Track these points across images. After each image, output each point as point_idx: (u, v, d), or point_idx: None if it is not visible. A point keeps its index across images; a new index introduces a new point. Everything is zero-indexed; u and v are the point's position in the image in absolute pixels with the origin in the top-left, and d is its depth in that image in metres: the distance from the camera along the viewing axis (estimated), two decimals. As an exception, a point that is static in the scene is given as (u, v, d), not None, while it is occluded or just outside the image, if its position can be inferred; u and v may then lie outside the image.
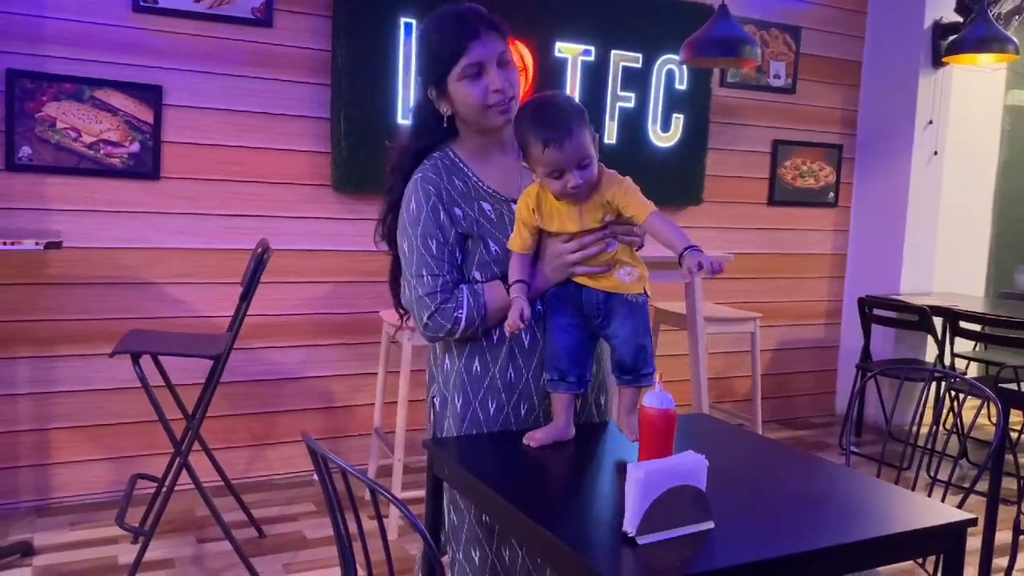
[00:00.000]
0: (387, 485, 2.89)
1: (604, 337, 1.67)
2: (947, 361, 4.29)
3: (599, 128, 4.09)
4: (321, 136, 3.58)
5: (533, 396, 1.71)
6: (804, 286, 4.96)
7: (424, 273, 1.66)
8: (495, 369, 1.70)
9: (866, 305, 4.55)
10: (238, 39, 3.41)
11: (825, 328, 5.07)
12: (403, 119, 3.62)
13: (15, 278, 3.16)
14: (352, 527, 1.38)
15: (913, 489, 1.61)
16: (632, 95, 4.15)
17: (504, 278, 1.67)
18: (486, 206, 1.70)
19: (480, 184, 1.72)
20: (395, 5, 3.57)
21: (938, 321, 4.24)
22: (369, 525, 1.40)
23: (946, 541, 1.38)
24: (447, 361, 1.77)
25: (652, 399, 1.41)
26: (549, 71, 3.91)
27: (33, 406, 3.24)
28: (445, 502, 1.73)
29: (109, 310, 3.30)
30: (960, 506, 1.61)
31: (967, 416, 4.39)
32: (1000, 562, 2.75)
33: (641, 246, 1.68)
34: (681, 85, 4.28)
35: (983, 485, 2.65)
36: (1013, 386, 2.88)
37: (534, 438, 1.61)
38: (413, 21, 3.60)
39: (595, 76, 4.05)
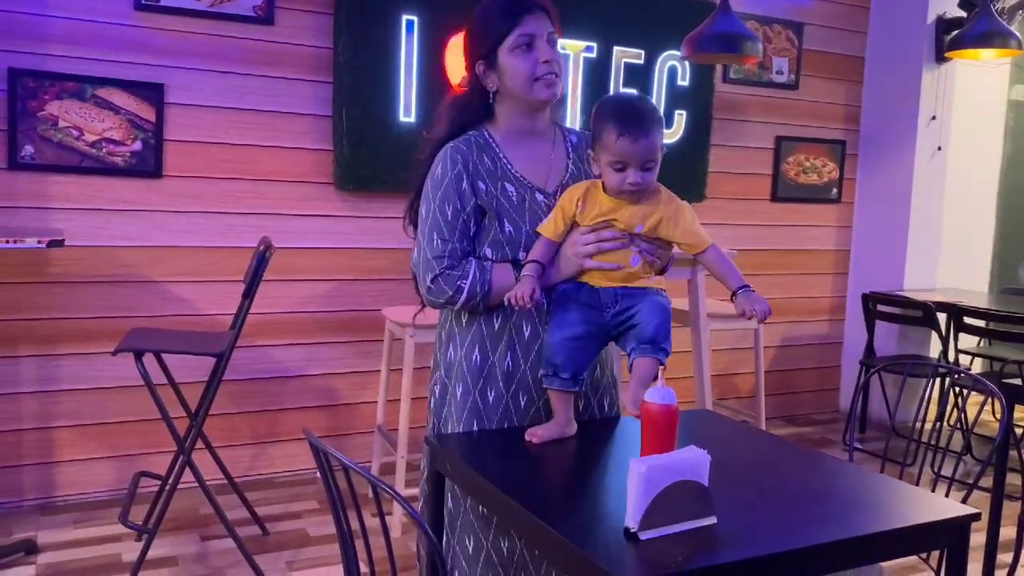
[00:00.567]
0: (390, 483, 2.89)
1: (622, 323, 1.63)
2: (951, 357, 4.28)
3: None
4: (323, 134, 3.57)
5: (532, 388, 1.71)
6: (807, 282, 4.95)
7: (435, 236, 1.69)
8: (494, 358, 1.72)
9: (870, 301, 4.54)
10: (240, 37, 3.40)
11: (829, 324, 5.06)
12: (405, 116, 3.62)
13: (18, 277, 3.17)
14: (355, 524, 1.38)
15: (917, 485, 1.60)
16: (634, 91, 4.14)
17: (514, 261, 1.70)
18: (510, 188, 1.73)
19: (508, 167, 1.75)
20: (397, 2, 3.57)
21: (942, 317, 4.23)
22: (372, 522, 1.40)
23: (950, 536, 1.37)
24: (451, 351, 1.78)
25: (654, 394, 1.40)
26: (551, 68, 3.90)
27: (36, 405, 3.24)
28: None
29: (112, 308, 3.31)
30: (964, 502, 1.60)
31: (971, 412, 4.38)
32: (1004, 558, 2.74)
33: (662, 271, 1.69)
34: (683, 81, 4.27)
35: (987, 481, 2.65)
36: (1017, 381, 2.87)
37: (535, 435, 1.61)
38: (415, 18, 3.59)
39: (597, 73, 4.04)
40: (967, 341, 4.39)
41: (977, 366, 4.97)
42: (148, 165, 3.30)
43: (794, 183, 4.78)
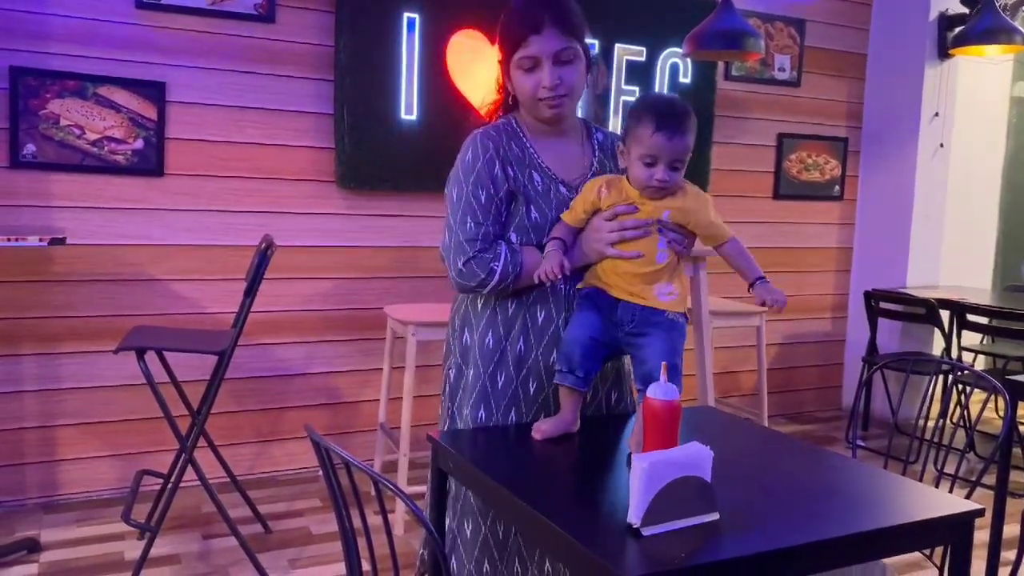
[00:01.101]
0: (392, 480, 2.89)
1: (631, 347, 1.63)
2: (954, 354, 4.28)
3: (603, 123, 4.08)
4: (324, 132, 3.57)
5: (542, 374, 1.73)
6: (810, 280, 4.94)
7: (468, 220, 1.69)
8: (507, 342, 1.74)
9: (872, 298, 4.53)
10: (241, 35, 3.40)
11: (831, 322, 5.05)
12: (406, 114, 3.62)
13: (20, 275, 3.17)
14: (357, 522, 1.37)
15: (920, 482, 1.60)
16: (636, 89, 4.14)
17: (539, 247, 1.71)
18: (536, 176, 1.75)
19: (536, 156, 1.77)
20: (398, 0, 3.56)
21: (945, 314, 4.22)
22: (374, 520, 1.40)
23: (954, 532, 1.37)
24: (466, 335, 1.80)
25: (656, 390, 1.40)
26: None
27: (39, 403, 3.24)
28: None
29: (113, 307, 3.31)
30: (967, 499, 1.59)
31: (974, 410, 4.37)
32: (1008, 555, 2.74)
33: (686, 255, 1.69)
34: (685, 79, 4.26)
35: (990, 478, 2.64)
36: (1021, 378, 2.86)
37: (540, 430, 1.62)
38: (416, 16, 3.59)
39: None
40: (970, 338, 4.39)
41: (980, 363, 4.96)
42: (150, 163, 3.30)
43: (796, 180, 4.77)
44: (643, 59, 4.13)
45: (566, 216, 1.70)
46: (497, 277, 1.66)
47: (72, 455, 3.31)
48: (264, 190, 3.51)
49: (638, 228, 1.62)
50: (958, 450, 3.84)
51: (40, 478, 3.27)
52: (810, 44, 4.69)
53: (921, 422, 2.33)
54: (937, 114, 4.69)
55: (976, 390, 4.43)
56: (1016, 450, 3.52)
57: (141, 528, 2.81)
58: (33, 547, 2.89)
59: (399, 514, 3.19)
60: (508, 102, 1.82)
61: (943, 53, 4.61)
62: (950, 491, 1.81)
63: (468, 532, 1.74)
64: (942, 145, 4.74)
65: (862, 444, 4.22)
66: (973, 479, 1.94)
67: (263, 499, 3.35)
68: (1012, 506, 2.77)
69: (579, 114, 1.88)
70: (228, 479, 3.11)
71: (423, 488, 2.55)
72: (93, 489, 3.35)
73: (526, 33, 1.68)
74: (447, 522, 1.76)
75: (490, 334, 1.75)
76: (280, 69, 3.48)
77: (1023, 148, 5.53)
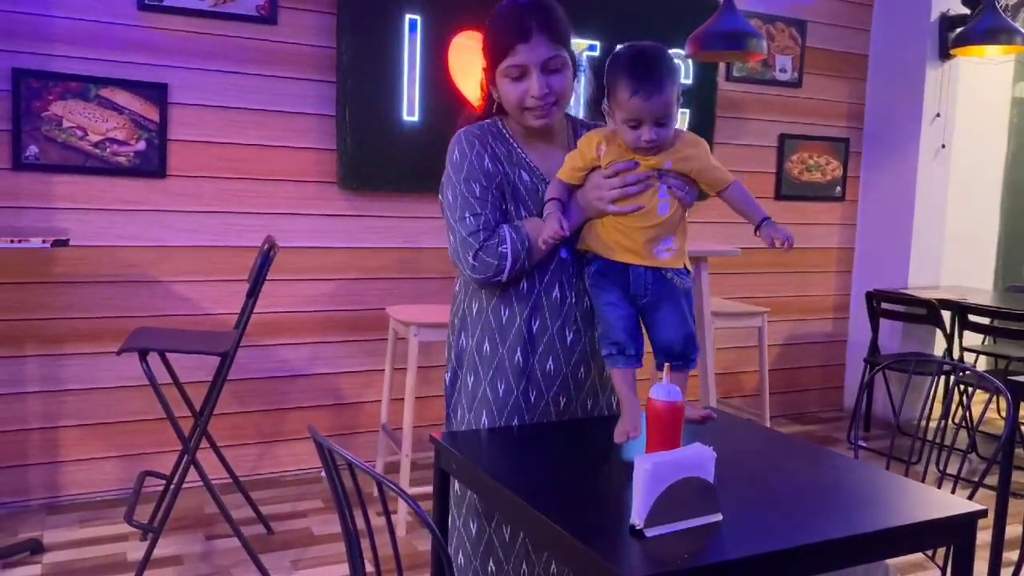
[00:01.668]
0: (395, 482, 2.90)
1: (648, 319, 1.63)
2: (956, 355, 4.28)
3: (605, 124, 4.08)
4: (326, 133, 3.58)
5: (541, 383, 1.72)
6: (811, 280, 4.94)
7: (467, 214, 1.67)
8: (503, 350, 1.72)
9: (874, 299, 4.53)
10: (243, 37, 3.41)
11: (833, 323, 5.05)
12: (408, 116, 3.62)
13: (23, 276, 3.17)
14: (360, 523, 1.38)
15: (922, 483, 1.60)
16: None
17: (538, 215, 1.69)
18: (525, 175, 1.73)
19: (523, 156, 1.74)
20: (400, 2, 3.57)
21: (946, 315, 4.22)
22: (377, 522, 1.40)
23: (956, 533, 1.37)
24: (462, 338, 1.79)
25: (659, 392, 1.40)
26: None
27: (41, 404, 3.25)
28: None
29: (116, 308, 3.31)
30: (970, 500, 1.60)
31: (976, 410, 4.38)
32: (1010, 555, 2.74)
33: (689, 205, 1.65)
34: (687, 80, 4.26)
35: (992, 479, 2.64)
36: (1022, 379, 2.86)
37: (623, 432, 1.55)
38: (418, 18, 3.60)
39: (600, 71, 4.02)
40: (972, 339, 4.39)
41: (982, 364, 4.96)
42: (152, 165, 3.31)
43: (797, 181, 4.78)
44: (644, 60, 4.13)
45: (562, 174, 1.66)
46: (510, 259, 1.63)
47: (75, 456, 3.31)
48: (266, 191, 3.51)
49: (639, 182, 1.59)
50: (960, 451, 3.83)
51: (43, 479, 3.28)
52: (811, 45, 4.70)
53: (923, 423, 2.33)
54: (938, 115, 4.69)
55: (978, 391, 4.43)
56: (1018, 451, 3.52)
57: (144, 529, 2.82)
58: (36, 548, 2.89)
59: (401, 515, 3.19)
60: (491, 109, 1.78)
61: (944, 54, 4.61)
62: (952, 492, 1.81)
63: (473, 531, 1.74)
64: (943, 146, 4.74)
65: (864, 445, 4.22)
66: (975, 480, 1.94)
67: (266, 500, 3.35)
68: (1014, 507, 2.77)
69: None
70: (231, 480, 3.12)
71: (425, 489, 2.56)
72: (96, 490, 3.36)
73: (513, 41, 1.64)
74: (456, 521, 1.76)
75: (486, 340, 1.73)
76: (282, 70, 3.49)
77: (1024, 148, 5.53)
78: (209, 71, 3.37)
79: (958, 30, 4.37)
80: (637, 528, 1.20)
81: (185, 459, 2.79)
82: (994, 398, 2.10)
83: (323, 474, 3.40)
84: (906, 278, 4.75)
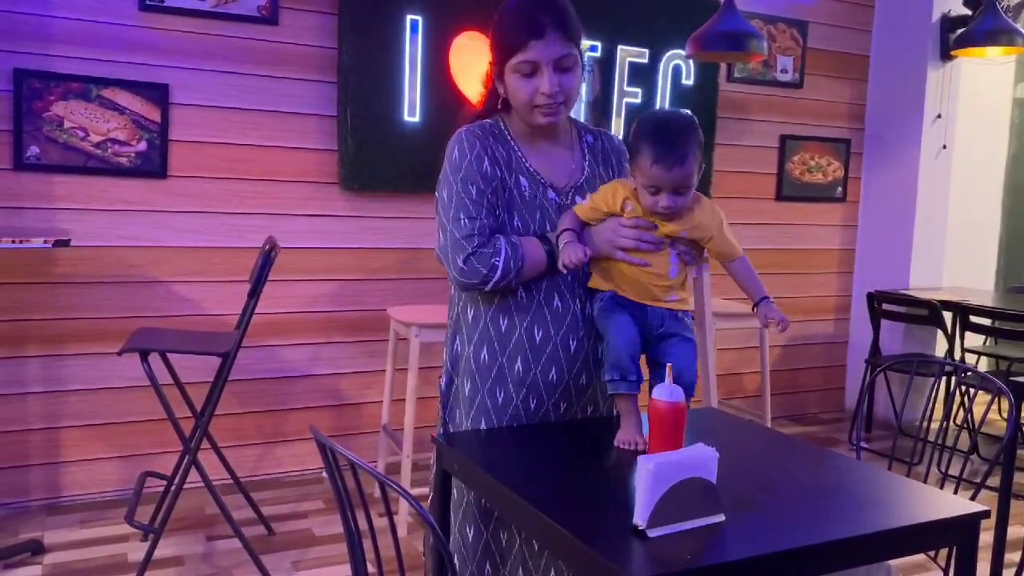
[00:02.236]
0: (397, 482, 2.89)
1: (661, 348, 1.65)
2: (957, 356, 4.27)
3: (606, 125, 4.08)
4: (327, 134, 3.58)
5: (542, 391, 1.70)
6: (812, 281, 4.94)
7: (462, 216, 1.65)
8: (503, 359, 1.70)
9: (875, 300, 4.53)
10: (244, 37, 3.41)
11: (834, 324, 5.05)
12: (409, 116, 3.62)
13: (24, 277, 3.17)
14: (362, 524, 1.37)
15: (924, 484, 1.60)
16: (639, 90, 4.14)
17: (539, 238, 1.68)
18: (523, 181, 1.71)
19: (523, 160, 1.73)
20: (401, 2, 3.57)
21: (948, 316, 4.22)
22: (379, 522, 1.39)
23: (959, 534, 1.37)
24: (457, 343, 1.78)
25: (661, 392, 1.40)
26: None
27: (43, 405, 3.25)
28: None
29: (117, 308, 3.31)
30: (972, 501, 1.59)
31: (977, 411, 4.37)
32: (1012, 557, 2.74)
33: (694, 264, 1.69)
34: (688, 80, 4.26)
35: (994, 480, 2.64)
36: (1024, 380, 2.86)
37: (621, 440, 1.58)
38: (419, 18, 3.60)
39: (602, 72, 4.03)
40: (973, 340, 4.38)
41: (983, 365, 4.95)
42: (153, 165, 3.31)
43: (799, 182, 4.77)
44: (646, 61, 4.14)
45: (581, 211, 1.65)
46: (500, 272, 1.62)
47: (76, 457, 3.31)
48: (267, 192, 3.51)
49: (652, 244, 1.61)
50: (962, 452, 3.83)
51: (44, 480, 3.28)
52: (812, 46, 4.69)
53: (924, 424, 2.32)
54: (940, 115, 4.69)
55: (980, 392, 4.42)
56: (1020, 452, 3.52)
57: (145, 530, 2.82)
58: (37, 549, 2.89)
59: (403, 516, 3.19)
60: (495, 106, 1.76)
61: (945, 55, 4.61)
62: (954, 493, 1.81)
63: (470, 536, 1.73)
64: (944, 146, 4.74)
65: (865, 446, 4.22)
66: (977, 481, 1.94)
67: (267, 501, 3.35)
68: (1016, 508, 2.77)
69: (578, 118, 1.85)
70: (232, 481, 3.11)
71: (426, 490, 2.55)
72: (97, 491, 3.35)
73: (527, 37, 1.62)
74: (452, 526, 1.76)
75: (485, 349, 1.72)
76: (283, 71, 3.49)
77: (1026, 149, 5.53)
78: (210, 71, 3.37)
79: (959, 31, 4.37)
80: (640, 529, 1.20)
81: (186, 460, 2.79)
82: (996, 399, 2.10)
83: (324, 475, 3.39)
84: (907, 279, 4.75)
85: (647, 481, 1.20)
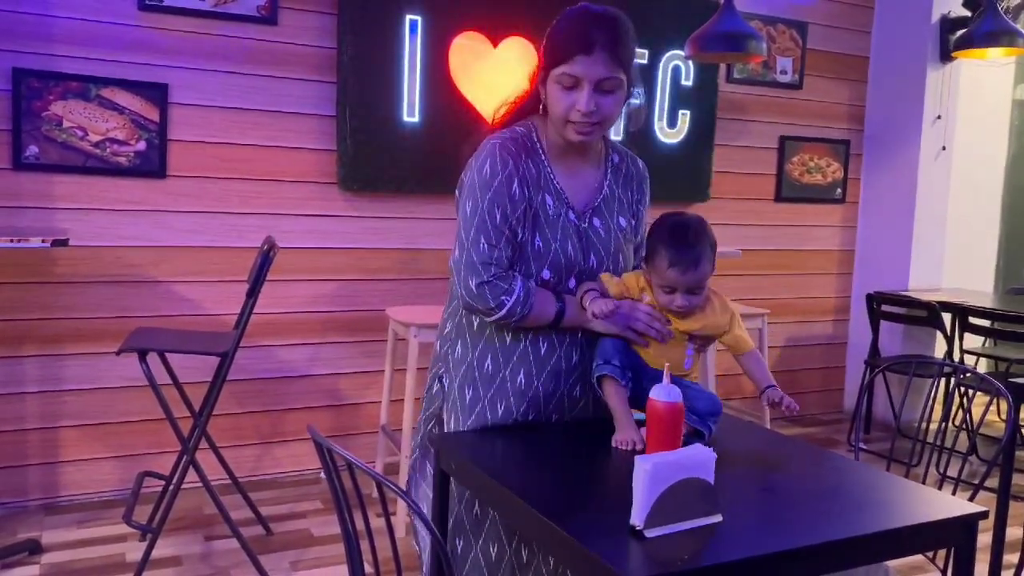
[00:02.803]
0: (394, 482, 2.89)
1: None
2: (956, 357, 4.27)
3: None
4: (327, 134, 3.57)
5: (541, 405, 1.71)
6: (812, 282, 4.94)
7: (482, 240, 1.63)
8: (506, 371, 1.70)
9: (874, 301, 4.53)
10: (244, 37, 3.41)
11: (833, 324, 5.05)
12: (409, 116, 3.62)
13: (22, 276, 3.17)
14: (359, 524, 1.37)
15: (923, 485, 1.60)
16: (639, 91, 4.13)
17: (537, 278, 1.67)
18: (549, 200, 1.70)
19: (552, 177, 1.71)
20: (400, 2, 3.57)
21: (947, 317, 4.22)
22: (377, 523, 1.39)
23: (957, 534, 1.37)
24: (459, 348, 1.76)
25: (659, 392, 1.40)
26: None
27: (41, 404, 3.24)
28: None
29: (116, 308, 3.31)
30: (970, 502, 1.59)
31: (976, 413, 4.37)
32: (1011, 558, 2.73)
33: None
34: (687, 81, 4.26)
35: (993, 481, 2.63)
36: (1023, 380, 2.86)
37: (618, 440, 1.60)
38: (419, 18, 3.59)
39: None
40: (972, 341, 4.38)
41: (982, 366, 4.95)
42: (152, 165, 3.30)
43: (798, 183, 4.77)
44: (645, 61, 4.13)
45: (607, 281, 1.69)
46: (505, 311, 1.62)
47: (74, 456, 3.31)
48: (266, 192, 3.51)
49: (661, 334, 1.65)
50: (960, 453, 3.83)
51: (42, 479, 3.27)
52: (812, 47, 4.69)
53: (923, 425, 2.32)
54: (939, 117, 4.69)
55: (978, 393, 4.42)
56: (1019, 453, 3.51)
57: (143, 530, 2.81)
58: (34, 548, 2.89)
59: (400, 516, 3.18)
60: (536, 107, 1.73)
61: (945, 56, 4.61)
62: (953, 494, 1.81)
63: (459, 549, 1.73)
64: (944, 148, 4.74)
65: (864, 447, 4.21)
66: (975, 483, 1.93)
67: (265, 501, 3.34)
68: (1014, 509, 2.77)
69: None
70: (230, 481, 3.11)
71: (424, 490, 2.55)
72: (95, 491, 3.35)
73: (574, 51, 1.59)
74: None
75: (488, 358, 1.71)
76: (282, 71, 3.48)
77: (1025, 151, 5.53)
78: (209, 71, 3.37)
79: (959, 32, 4.37)
80: (637, 529, 1.20)
81: (184, 460, 2.79)
82: (995, 400, 2.09)
83: (322, 475, 3.39)
84: (906, 280, 4.75)
85: (644, 481, 1.20)
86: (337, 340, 3.70)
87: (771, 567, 1.20)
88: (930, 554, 2.12)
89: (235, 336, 2.78)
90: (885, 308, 4.50)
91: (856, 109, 4.92)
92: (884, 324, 4.56)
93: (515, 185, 1.65)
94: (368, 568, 1.41)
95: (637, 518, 1.21)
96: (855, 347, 5.01)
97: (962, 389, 4.12)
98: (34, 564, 2.82)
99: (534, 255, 1.67)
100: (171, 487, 2.82)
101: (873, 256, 4.94)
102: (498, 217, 1.63)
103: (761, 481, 1.51)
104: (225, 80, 3.39)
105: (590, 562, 1.17)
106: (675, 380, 1.65)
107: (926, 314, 4.20)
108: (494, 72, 3.75)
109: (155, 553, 2.76)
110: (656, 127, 4.22)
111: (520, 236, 1.66)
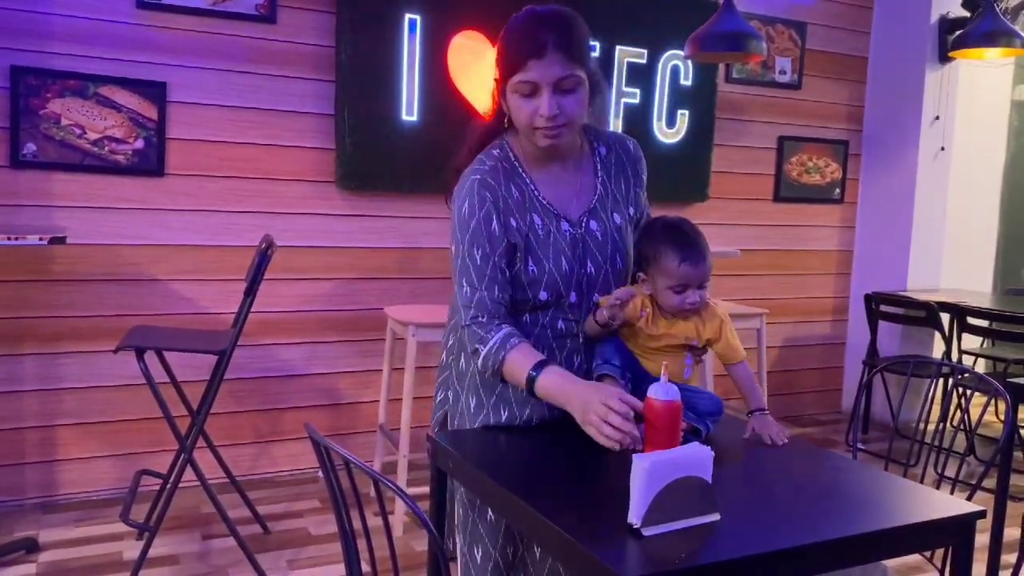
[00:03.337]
0: (392, 480, 2.89)
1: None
2: (954, 357, 4.27)
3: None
4: (325, 132, 3.57)
5: (545, 410, 1.70)
6: (810, 282, 4.94)
7: (464, 283, 1.63)
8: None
9: (873, 301, 4.53)
10: (242, 35, 3.40)
11: (832, 325, 5.05)
12: (407, 116, 3.62)
13: (20, 274, 3.17)
14: (357, 524, 1.37)
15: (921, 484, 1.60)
16: (637, 91, 4.14)
17: (531, 301, 1.66)
18: (537, 220, 1.66)
19: (536, 194, 1.68)
20: (399, 2, 3.57)
21: (945, 317, 4.22)
22: (374, 522, 1.39)
23: (955, 534, 1.37)
24: (462, 360, 1.75)
25: (657, 391, 1.40)
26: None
27: (38, 403, 3.24)
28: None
29: (113, 306, 3.30)
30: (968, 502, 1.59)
31: (974, 413, 4.37)
32: (1008, 558, 2.73)
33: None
34: (686, 81, 4.26)
35: (991, 482, 2.64)
36: (1021, 381, 2.86)
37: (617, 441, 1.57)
38: (417, 17, 3.59)
39: (602, 73, 4.03)
40: (970, 342, 4.39)
41: (980, 366, 4.95)
42: (150, 163, 3.30)
43: (797, 183, 4.77)
44: (644, 61, 4.14)
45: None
46: (480, 359, 1.60)
47: (71, 455, 3.30)
48: (264, 190, 3.50)
49: (627, 441, 1.52)
50: (958, 453, 3.83)
51: (39, 478, 3.27)
52: (811, 47, 4.70)
53: (921, 425, 2.32)
54: (938, 117, 4.69)
55: (976, 393, 4.42)
56: (1017, 454, 3.52)
57: (140, 528, 2.81)
58: (32, 547, 2.88)
59: (398, 515, 3.18)
60: (503, 122, 1.69)
61: (944, 56, 4.62)
62: (951, 494, 1.81)
63: (479, 557, 1.73)
64: (943, 148, 4.74)
65: (862, 447, 4.21)
66: (973, 483, 1.93)
67: (262, 500, 3.34)
68: (1012, 509, 2.77)
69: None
70: (227, 479, 3.11)
71: (422, 489, 2.55)
72: (92, 489, 3.35)
73: (526, 57, 1.54)
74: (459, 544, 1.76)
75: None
76: (281, 70, 3.48)
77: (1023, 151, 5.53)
78: (208, 70, 3.36)
79: (957, 33, 4.36)
80: (634, 527, 1.20)
81: (182, 458, 2.78)
82: (993, 401, 2.09)
83: (320, 474, 3.39)
84: (905, 280, 4.75)
85: (642, 480, 1.19)
86: (335, 339, 3.70)
87: (769, 566, 1.20)
88: (928, 554, 2.12)
89: (233, 335, 2.77)
90: (883, 308, 4.50)
91: (855, 109, 4.92)
92: (882, 324, 4.56)
93: (494, 223, 1.62)
94: (365, 567, 1.41)
95: (635, 517, 1.20)
96: (853, 347, 5.01)
97: (960, 389, 4.12)
98: (31, 563, 2.81)
99: (529, 281, 1.65)
100: (168, 486, 2.82)
101: (871, 256, 4.94)
102: (478, 257, 1.61)
103: (759, 480, 1.50)
104: (223, 78, 3.39)
105: (587, 560, 1.17)
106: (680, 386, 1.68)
107: (924, 314, 4.20)
108: (492, 74, 3.74)
109: (152, 552, 2.75)
110: (655, 127, 4.22)
111: (506, 272, 1.63)
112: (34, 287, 3.19)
